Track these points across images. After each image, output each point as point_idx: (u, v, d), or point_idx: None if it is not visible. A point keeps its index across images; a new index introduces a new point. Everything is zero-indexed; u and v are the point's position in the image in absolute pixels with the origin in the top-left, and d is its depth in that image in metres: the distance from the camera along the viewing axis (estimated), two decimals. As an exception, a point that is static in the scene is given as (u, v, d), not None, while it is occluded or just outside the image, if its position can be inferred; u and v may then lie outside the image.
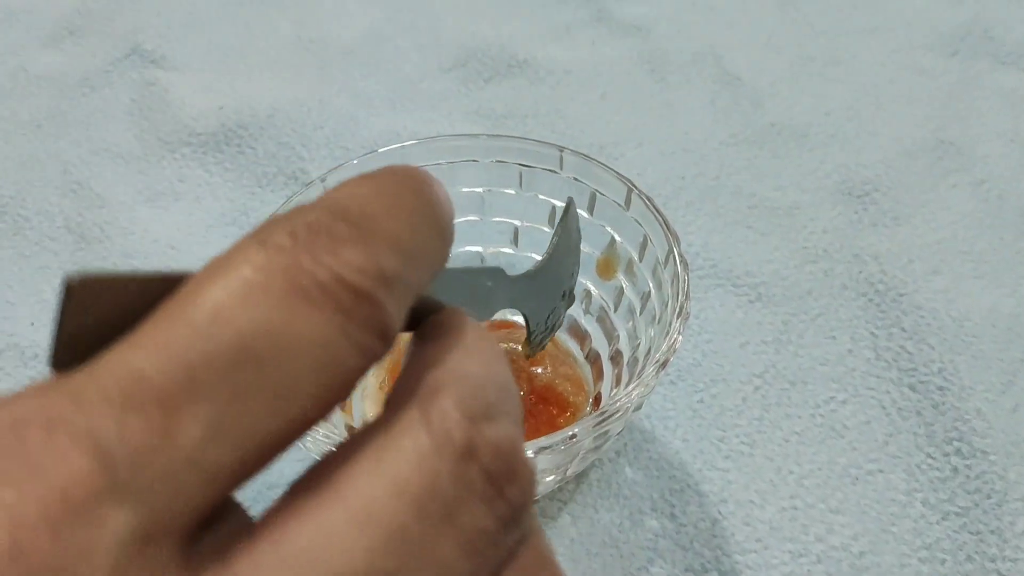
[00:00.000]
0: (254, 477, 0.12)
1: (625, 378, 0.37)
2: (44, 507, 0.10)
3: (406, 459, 0.12)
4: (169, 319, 0.12)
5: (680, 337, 0.33)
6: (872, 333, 0.44)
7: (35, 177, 0.52)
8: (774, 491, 0.38)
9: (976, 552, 0.36)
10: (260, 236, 0.12)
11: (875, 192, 0.51)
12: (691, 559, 0.36)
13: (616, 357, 0.39)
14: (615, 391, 0.38)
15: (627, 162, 0.53)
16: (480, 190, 0.40)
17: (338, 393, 0.12)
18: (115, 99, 0.57)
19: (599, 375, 0.39)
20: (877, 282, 0.46)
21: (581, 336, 0.41)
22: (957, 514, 0.37)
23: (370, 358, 0.13)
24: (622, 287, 0.39)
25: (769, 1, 0.65)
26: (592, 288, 0.40)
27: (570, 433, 0.30)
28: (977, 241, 0.48)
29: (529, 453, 0.30)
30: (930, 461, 0.39)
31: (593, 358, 0.40)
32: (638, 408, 0.34)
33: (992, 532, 0.37)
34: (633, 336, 0.38)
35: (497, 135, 0.39)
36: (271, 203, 0.50)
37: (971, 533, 0.37)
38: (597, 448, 0.34)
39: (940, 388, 0.41)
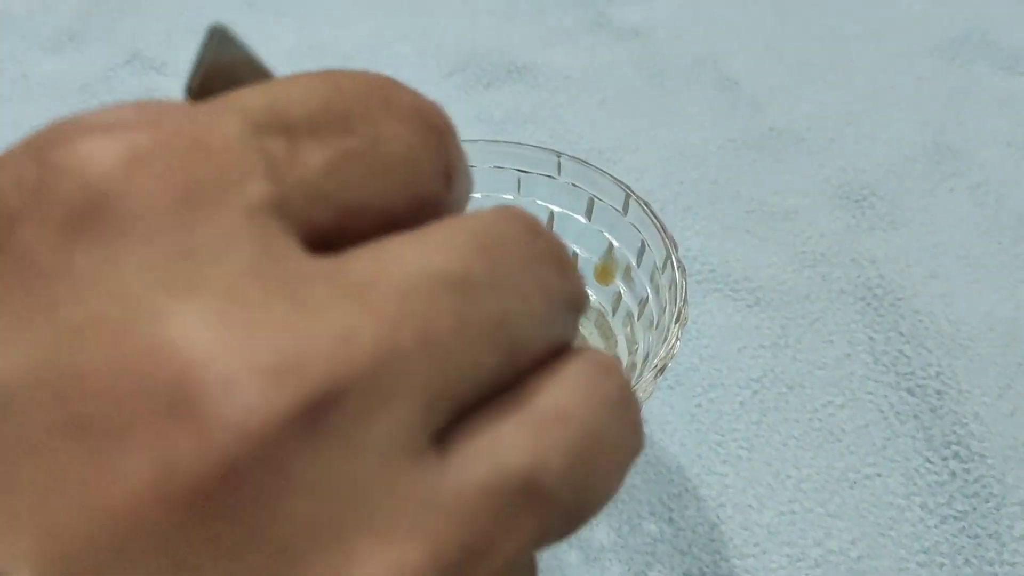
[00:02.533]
0: (350, 240, 0.13)
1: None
2: (194, 141, 0.12)
3: (493, 216, 0.14)
4: (295, 80, 0.13)
5: (678, 342, 0.33)
6: (870, 337, 0.44)
7: (36, 183, 0.53)
8: (772, 495, 0.38)
9: (974, 556, 0.36)
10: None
11: (873, 196, 0.51)
12: (689, 563, 0.36)
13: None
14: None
15: (626, 167, 0.53)
16: (478, 196, 0.40)
17: (420, 196, 0.14)
18: (115, 105, 0.58)
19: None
20: (875, 286, 0.46)
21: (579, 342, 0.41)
22: (955, 518, 0.37)
23: (443, 183, 0.14)
24: (620, 292, 0.39)
25: (768, 6, 0.65)
26: (590, 294, 0.40)
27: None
28: (975, 245, 0.48)
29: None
30: (928, 465, 0.39)
31: (591, 363, 0.40)
32: (636, 413, 0.34)
33: (990, 536, 0.37)
34: (631, 341, 0.38)
35: (495, 141, 0.39)
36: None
37: (969, 537, 0.37)
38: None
39: (938, 392, 0.41)
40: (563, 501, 0.12)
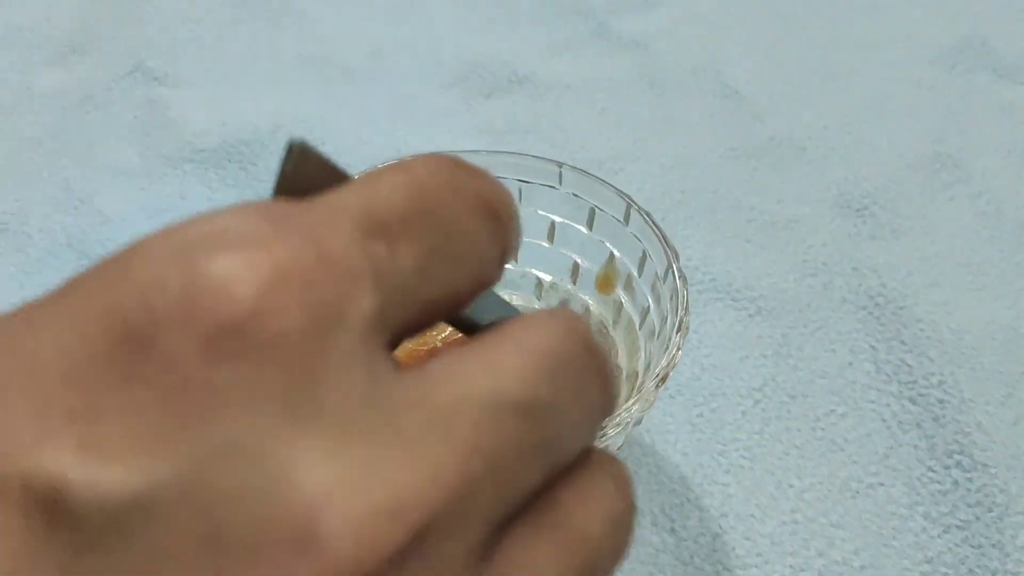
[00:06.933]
0: (428, 328, 0.15)
1: (624, 392, 0.37)
2: (320, 256, 0.13)
3: (557, 335, 0.15)
4: (381, 178, 0.14)
5: (679, 352, 0.33)
6: (872, 346, 0.44)
7: (37, 194, 0.53)
8: (774, 505, 0.38)
9: (978, 565, 0.36)
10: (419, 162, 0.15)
11: (874, 205, 0.51)
12: (692, 574, 0.36)
13: (615, 371, 0.39)
14: (615, 406, 0.38)
15: (626, 176, 0.53)
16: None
17: (482, 283, 0.15)
18: (118, 116, 0.58)
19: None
20: (876, 295, 0.46)
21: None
22: (958, 527, 0.37)
23: (499, 267, 0.15)
24: (621, 302, 0.39)
25: (768, 16, 0.66)
26: (591, 303, 0.40)
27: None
28: (976, 253, 0.48)
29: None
30: (931, 474, 0.39)
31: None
32: (638, 423, 0.34)
33: (993, 545, 0.37)
34: (632, 351, 0.38)
35: (496, 151, 0.39)
36: (272, 219, 0.50)
37: (972, 547, 0.37)
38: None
39: (940, 401, 0.41)
40: None
